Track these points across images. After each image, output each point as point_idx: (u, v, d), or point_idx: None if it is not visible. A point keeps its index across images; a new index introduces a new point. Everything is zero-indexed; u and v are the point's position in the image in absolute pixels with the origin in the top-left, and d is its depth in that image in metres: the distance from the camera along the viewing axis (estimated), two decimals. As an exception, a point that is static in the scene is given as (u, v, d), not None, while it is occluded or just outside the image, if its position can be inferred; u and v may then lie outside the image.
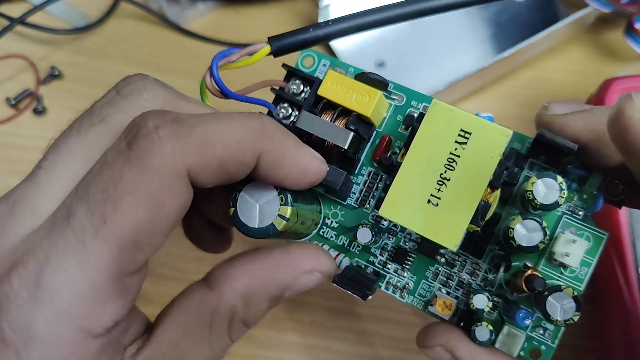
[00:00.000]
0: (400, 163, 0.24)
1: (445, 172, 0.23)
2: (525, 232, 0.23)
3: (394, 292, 0.28)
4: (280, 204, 0.23)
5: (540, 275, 0.23)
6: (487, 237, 0.26)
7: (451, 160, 0.23)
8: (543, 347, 0.26)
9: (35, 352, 0.17)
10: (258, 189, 0.24)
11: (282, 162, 0.22)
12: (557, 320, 0.23)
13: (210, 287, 0.23)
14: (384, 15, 0.24)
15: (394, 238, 0.28)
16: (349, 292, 0.24)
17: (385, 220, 0.28)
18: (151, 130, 0.19)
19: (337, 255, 0.28)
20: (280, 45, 0.25)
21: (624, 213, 0.29)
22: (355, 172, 0.28)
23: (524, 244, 0.23)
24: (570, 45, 0.42)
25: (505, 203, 0.26)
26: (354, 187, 0.28)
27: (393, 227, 0.28)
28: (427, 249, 0.27)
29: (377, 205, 0.27)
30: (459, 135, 0.23)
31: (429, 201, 0.23)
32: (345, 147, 0.26)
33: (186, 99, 0.23)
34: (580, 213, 0.26)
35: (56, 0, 0.43)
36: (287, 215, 0.23)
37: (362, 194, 0.28)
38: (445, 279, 0.27)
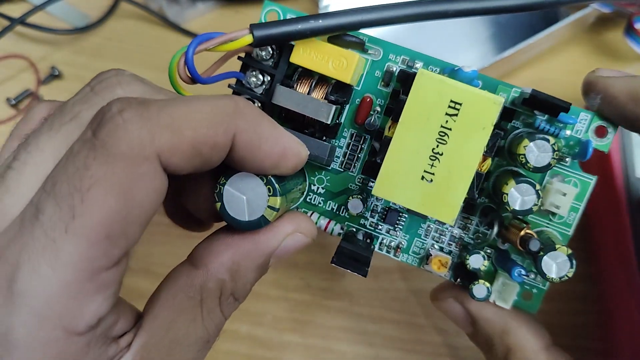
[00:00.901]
0: (389, 137, 0.23)
1: (438, 146, 0.22)
2: (519, 195, 0.23)
3: (387, 252, 0.28)
4: (269, 195, 0.22)
5: (534, 235, 0.24)
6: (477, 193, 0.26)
7: (442, 134, 0.22)
8: (535, 290, 0.27)
9: (17, 358, 0.17)
10: (243, 181, 0.23)
11: (258, 142, 0.21)
12: (552, 277, 0.23)
13: (196, 266, 0.22)
14: (378, 15, 0.22)
15: (383, 199, 0.27)
16: (349, 270, 0.24)
17: (373, 181, 0.27)
18: (115, 114, 0.18)
19: (329, 223, 0.28)
20: (264, 36, 0.22)
21: (625, 215, 0.29)
22: (337, 136, 0.27)
23: (518, 208, 0.23)
24: (570, 45, 0.41)
25: (493, 157, 0.26)
26: (337, 151, 0.27)
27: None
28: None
29: (364, 170, 0.26)
30: (449, 107, 0.22)
31: (422, 177, 0.23)
32: (329, 122, 0.24)
33: (165, 93, 0.22)
34: (567, 160, 0.25)
35: (56, 0, 0.42)
36: (277, 206, 0.22)
37: (346, 158, 0.27)
38: (437, 235, 0.27)
